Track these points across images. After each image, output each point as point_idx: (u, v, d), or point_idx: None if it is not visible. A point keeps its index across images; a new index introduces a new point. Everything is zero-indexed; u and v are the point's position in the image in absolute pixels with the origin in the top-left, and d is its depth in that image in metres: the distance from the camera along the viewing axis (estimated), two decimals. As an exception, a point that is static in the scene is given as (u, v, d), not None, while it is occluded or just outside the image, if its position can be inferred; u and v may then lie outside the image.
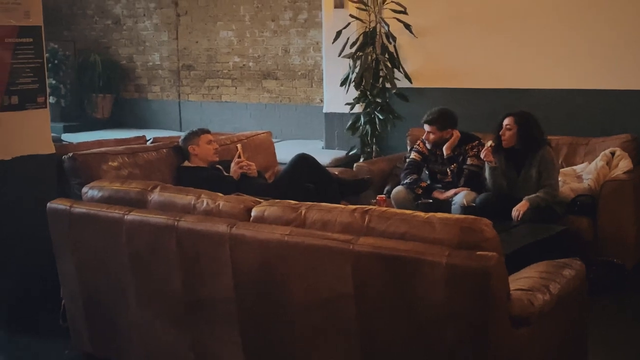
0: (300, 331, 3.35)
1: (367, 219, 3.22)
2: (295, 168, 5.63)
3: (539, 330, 3.08)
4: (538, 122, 5.58)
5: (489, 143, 5.62)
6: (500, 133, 5.57)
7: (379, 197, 5.66)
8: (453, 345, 2.96)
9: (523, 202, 5.28)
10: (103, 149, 5.34)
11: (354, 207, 3.38)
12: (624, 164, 5.78)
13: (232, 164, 5.52)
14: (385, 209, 3.38)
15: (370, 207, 3.38)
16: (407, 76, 7.38)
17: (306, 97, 9.18)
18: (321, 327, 3.30)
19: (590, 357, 3.73)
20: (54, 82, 9.06)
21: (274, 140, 6.79)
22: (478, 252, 2.89)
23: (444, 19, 7.44)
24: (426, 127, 5.99)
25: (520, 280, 3.20)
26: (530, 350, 3.06)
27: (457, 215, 3.54)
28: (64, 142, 6.09)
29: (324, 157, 7.07)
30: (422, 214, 3.18)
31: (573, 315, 3.50)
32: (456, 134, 5.95)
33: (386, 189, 6.24)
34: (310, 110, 8.90)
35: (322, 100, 8.53)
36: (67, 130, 9.28)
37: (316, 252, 3.21)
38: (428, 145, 6.08)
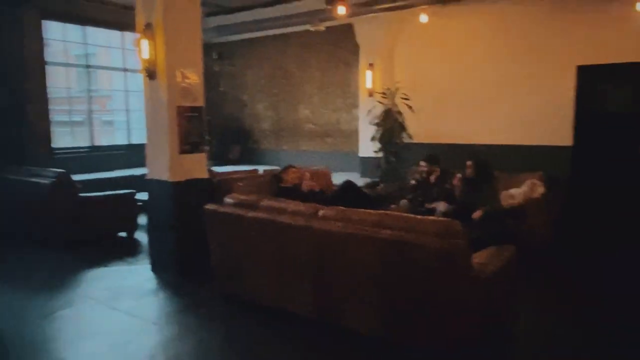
0: (345, 281, 3.32)
1: (386, 218, 3.19)
2: (343, 188, 5.60)
3: (490, 287, 3.00)
4: (488, 163, 5.44)
5: (459, 175, 5.50)
6: (466, 169, 5.45)
7: (392, 206, 5.59)
8: (439, 294, 2.93)
9: (479, 211, 5.14)
10: (235, 176, 5.40)
11: (379, 211, 3.35)
12: (539, 190, 5.62)
13: (303, 184, 5.49)
14: (397, 213, 3.32)
15: (388, 211, 3.34)
16: (409, 136, 7.33)
17: (350, 148, 9.17)
18: (358, 279, 3.26)
19: (519, 304, 3.61)
20: (208, 138, 9.20)
21: (331, 172, 6.78)
22: (453, 240, 2.85)
23: (430, 101, 7.41)
24: (422, 164, 5.93)
25: (479, 257, 3.12)
26: (486, 298, 2.98)
27: (440, 218, 3.47)
28: (214, 171, 6.16)
29: (360, 182, 7.01)
30: (419, 217, 3.14)
31: (510, 278, 3.38)
32: (437, 170, 5.87)
33: (398, 202, 6.15)
34: (352, 155, 8.88)
35: (359, 150, 8.51)
36: (215, 164, 9.32)
37: (356, 237, 3.19)
38: (423, 176, 6.00)
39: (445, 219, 3.13)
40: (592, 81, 6.21)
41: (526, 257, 4.88)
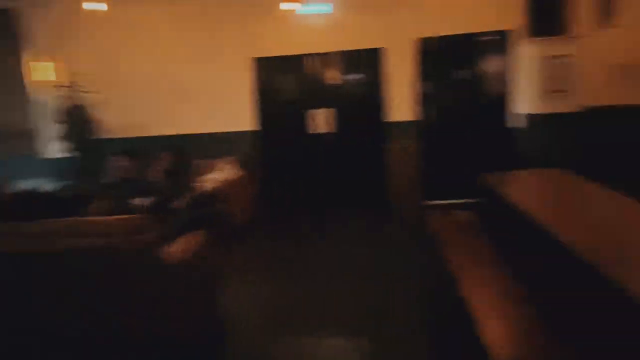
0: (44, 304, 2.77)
1: (77, 227, 2.75)
2: (17, 199, 4.58)
3: (188, 269, 2.96)
4: (184, 152, 5.43)
5: (158, 168, 5.32)
6: (163, 161, 5.30)
7: (91, 208, 4.93)
8: (139, 291, 2.77)
9: (180, 199, 5.03)
10: None
11: (65, 219, 2.87)
12: (234, 172, 5.95)
13: None
14: (84, 218, 2.92)
15: (79, 218, 2.90)
16: (103, 131, 6.70)
17: (33, 150, 7.69)
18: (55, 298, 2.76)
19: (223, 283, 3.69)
20: None
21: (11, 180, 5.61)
22: (140, 235, 2.71)
23: (126, 94, 6.93)
24: (120, 159, 5.51)
25: (181, 245, 3.03)
26: (184, 280, 2.94)
27: (134, 216, 3.22)
28: None
29: (51, 187, 5.99)
30: (110, 217, 2.83)
31: (206, 261, 3.42)
32: (138, 164, 5.54)
33: (99, 203, 5.52)
34: (38, 159, 7.49)
35: (44, 151, 7.29)
36: None
37: (39, 255, 2.68)
38: (122, 171, 5.55)
39: (133, 215, 2.91)
40: (266, 71, 6.84)
41: (227, 237, 5.11)
